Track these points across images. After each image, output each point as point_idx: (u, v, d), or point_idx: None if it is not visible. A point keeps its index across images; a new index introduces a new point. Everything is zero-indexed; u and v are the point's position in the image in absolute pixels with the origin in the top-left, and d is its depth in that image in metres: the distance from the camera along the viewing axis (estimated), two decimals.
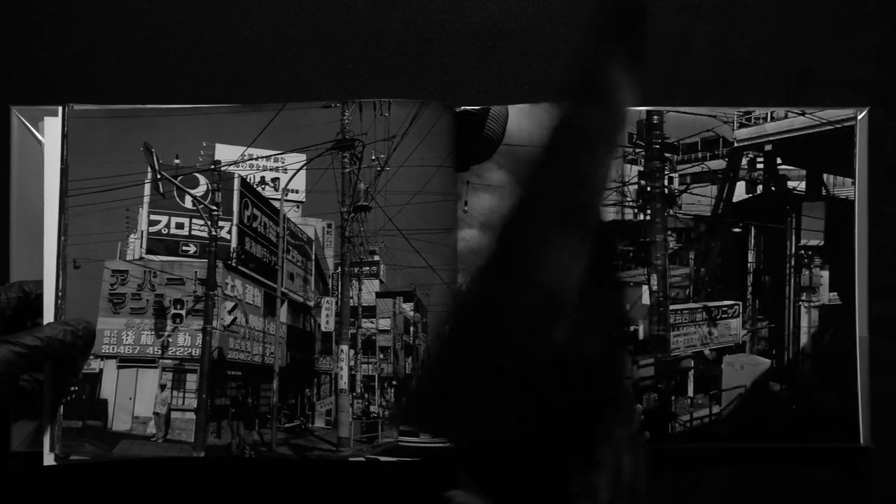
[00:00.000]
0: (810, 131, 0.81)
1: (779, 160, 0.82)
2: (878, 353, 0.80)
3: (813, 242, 0.81)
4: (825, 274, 0.81)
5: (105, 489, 0.80)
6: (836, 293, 0.81)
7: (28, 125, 0.78)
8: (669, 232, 0.82)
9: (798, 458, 0.82)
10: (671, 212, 0.82)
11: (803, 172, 0.82)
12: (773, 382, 0.81)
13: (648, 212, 0.82)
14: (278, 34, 0.85)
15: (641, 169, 0.82)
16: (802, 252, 0.82)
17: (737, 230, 0.83)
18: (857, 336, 0.80)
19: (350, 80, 0.85)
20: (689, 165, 0.82)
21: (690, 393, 0.82)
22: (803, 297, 0.82)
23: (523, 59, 0.85)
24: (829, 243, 0.81)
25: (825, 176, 0.82)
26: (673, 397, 0.81)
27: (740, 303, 0.83)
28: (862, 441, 0.79)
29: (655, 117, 0.81)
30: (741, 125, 0.82)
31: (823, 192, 0.82)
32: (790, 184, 0.83)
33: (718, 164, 0.82)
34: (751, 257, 0.83)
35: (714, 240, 0.83)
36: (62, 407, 0.74)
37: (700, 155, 0.82)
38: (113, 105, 0.78)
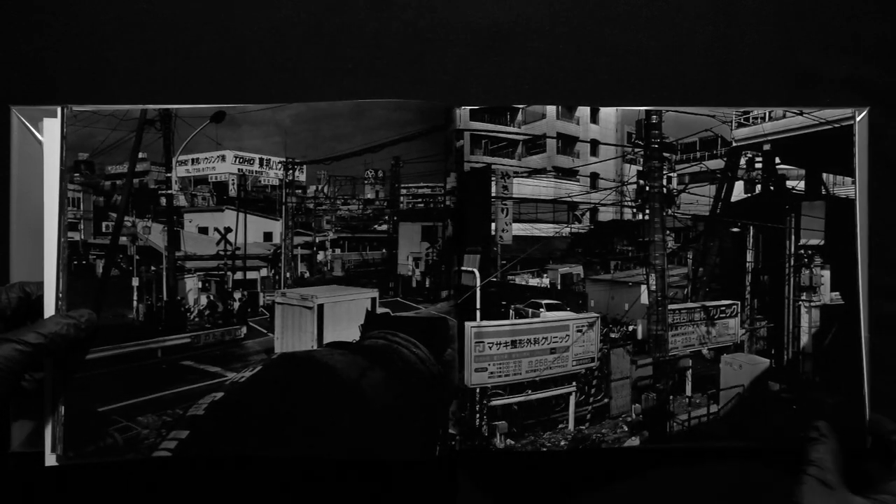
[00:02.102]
0: (809, 131, 0.81)
1: (777, 160, 0.82)
2: (878, 352, 0.80)
3: (813, 242, 0.81)
4: (826, 273, 0.81)
5: (105, 489, 0.80)
6: (838, 293, 0.81)
7: (28, 125, 0.78)
8: (668, 231, 0.82)
9: (797, 458, 0.82)
10: (670, 211, 0.82)
11: (802, 172, 0.82)
12: (772, 382, 0.81)
13: (647, 211, 0.82)
14: (278, 34, 0.85)
15: (640, 168, 0.82)
16: (802, 251, 0.82)
17: (735, 230, 0.83)
18: (862, 337, 0.80)
19: (350, 80, 0.85)
20: (687, 165, 0.82)
21: (689, 392, 0.82)
22: (803, 297, 0.82)
23: (523, 59, 0.85)
24: (830, 242, 0.81)
25: (824, 175, 0.82)
26: (671, 397, 0.81)
27: (738, 302, 0.83)
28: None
29: (654, 117, 0.81)
30: (739, 125, 0.82)
31: (823, 192, 0.82)
32: (789, 183, 0.83)
33: (717, 164, 0.83)
34: (749, 257, 0.83)
35: (712, 239, 0.83)
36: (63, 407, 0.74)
37: (698, 155, 0.82)
38: (113, 105, 0.78)
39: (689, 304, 0.83)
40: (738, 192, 0.83)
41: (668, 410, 0.81)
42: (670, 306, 0.82)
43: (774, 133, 0.82)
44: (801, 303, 0.82)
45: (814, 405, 0.80)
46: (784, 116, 0.81)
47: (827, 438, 0.73)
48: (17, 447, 0.76)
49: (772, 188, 0.83)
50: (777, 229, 0.83)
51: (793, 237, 0.82)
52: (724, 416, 0.81)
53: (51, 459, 0.74)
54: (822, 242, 0.81)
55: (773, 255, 0.83)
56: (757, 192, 0.83)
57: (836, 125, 0.80)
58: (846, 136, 0.80)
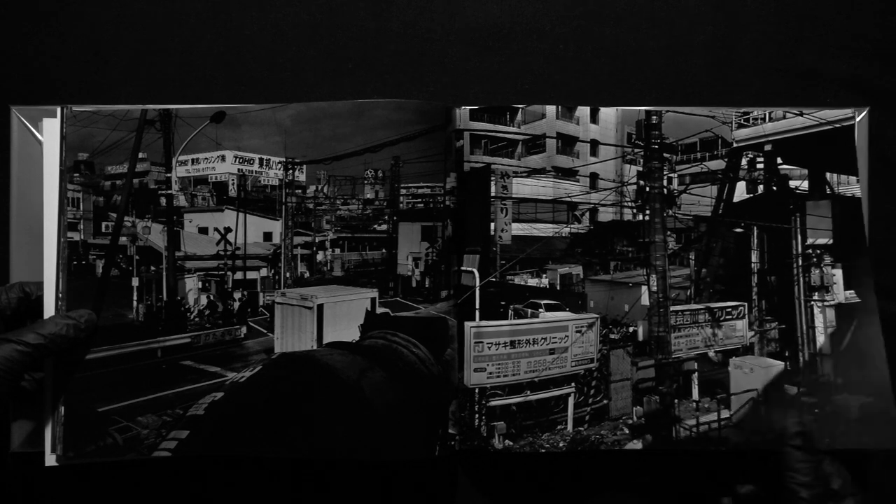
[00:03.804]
0: (809, 131, 0.80)
1: (779, 160, 0.82)
2: None
3: (821, 241, 0.80)
4: (838, 272, 0.80)
5: (105, 489, 0.80)
6: (852, 291, 0.79)
7: (28, 125, 0.78)
8: (669, 232, 0.82)
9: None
10: (670, 212, 0.82)
11: (805, 171, 0.82)
12: (788, 385, 0.79)
13: (647, 212, 0.82)
14: (278, 34, 0.85)
15: (640, 169, 0.81)
16: (810, 251, 0.81)
17: (739, 230, 0.83)
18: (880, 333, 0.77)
19: (350, 80, 0.85)
20: (688, 166, 0.82)
21: (695, 396, 0.81)
22: (815, 297, 0.81)
23: (523, 59, 0.85)
24: (839, 241, 0.79)
25: (828, 174, 0.81)
26: (676, 401, 0.80)
27: (745, 304, 0.82)
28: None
29: (654, 117, 0.81)
30: (739, 126, 0.82)
31: (828, 191, 0.81)
32: (792, 183, 0.82)
33: (718, 165, 0.82)
34: (754, 257, 0.82)
35: (715, 240, 0.82)
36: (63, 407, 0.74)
37: (699, 155, 0.82)
38: (113, 105, 0.78)
39: (693, 306, 0.82)
40: (741, 192, 0.83)
41: (674, 415, 0.80)
42: (673, 307, 0.82)
43: (775, 133, 0.81)
44: (813, 303, 0.81)
45: (839, 407, 0.77)
46: (784, 117, 0.81)
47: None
48: (17, 447, 0.76)
49: (774, 188, 0.82)
50: (782, 229, 0.82)
51: (799, 237, 0.81)
52: (739, 422, 0.79)
53: (51, 459, 0.74)
54: (831, 241, 0.80)
55: (778, 256, 0.82)
56: (759, 192, 0.83)
57: (837, 125, 0.80)
58: (847, 135, 0.80)
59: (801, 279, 0.81)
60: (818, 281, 0.80)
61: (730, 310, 0.82)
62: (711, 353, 0.82)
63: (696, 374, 0.82)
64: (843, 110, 0.80)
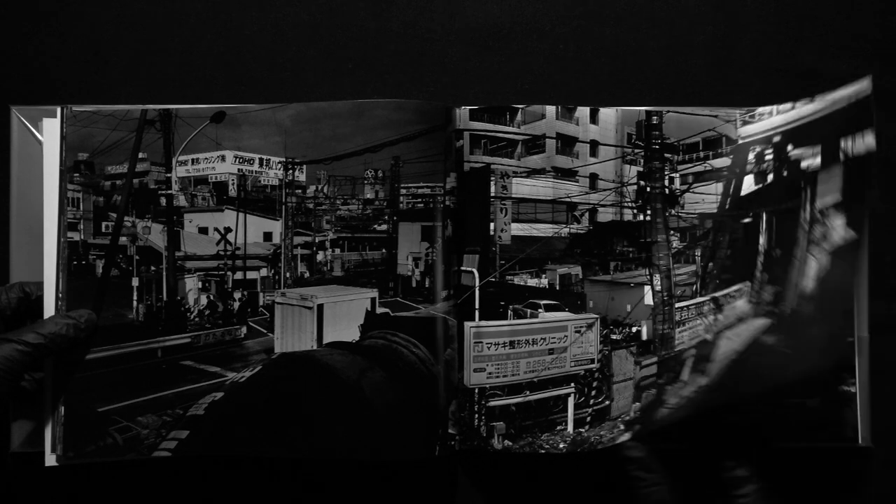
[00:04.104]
0: (821, 115, 0.77)
1: (790, 147, 0.80)
2: (878, 353, 0.80)
3: (829, 200, 0.76)
4: (840, 220, 0.76)
5: (105, 489, 0.81)
6: (853, 231, 0.75)
7: (28, 125, 0.78)
8: (672, 232, 0.82)
9: (799, 458, 0.82)
10: (672, 212, 0.82)
11: (817, 149, 0.78)
12: (766, 336, 0.78)
13: (648, 212, 0.82)
14: (278, 34, 0.85)
15: (641, 169, 0.81)
16: (819, 215, 0.77)
17: (747, 220, 0.81)
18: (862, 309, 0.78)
19: (350, 80, 0.85)
20: (690, 165, 0.82)
21: (685, 377, 0.80)
22: (815, 250, 0.77)
23: (523, 59, 0.85)
24: (847, 194, 0.75)
25: (842, 141, 0.76)
26: (668, 387, 0.79)
27: (748, 282, 0.80)
28: (861, 441, 0.79)
29: (654, 118, 0.81)
30: (745, 123, 0.81)
31: (842, 157, 0.76)
32: (804, 164, 0.79)
33: (723, 162, 0.82)
34: (762, 240, 0.81)
35: (722, 234, 0.82)
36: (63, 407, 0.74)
37: (702, 154, 0.82)
38: (113, 105, 0.78)
39: (699, 299, 0.81)
40: (749, 185, 0.82)
41: (662, 399, 0.79)
42: (679, 304, 0.81)
43: (784, 124, 0.79)
44: (810, 254, 0.77)
45: (809, 341, 0.76)
46: (793, 107, 0.79)
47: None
48: (17, 447, 0.76)
49: (785, 175, 0.80)
50: (791, 208, 0.78)
51: (808, 206, 0.79)
52: (715, 385, 0.77)
53: (51, 459, 0.74)
54: (840, 199, 0.76)
55: (786, 232, 0.79)
56: (769, 181, 0.81)
57: (853, 100, 0.75)
58: (864, 108, 0.74)
59: (805, 238, 0.78)
60: (819, 235, 0.77)
61: (733, 293, 0.81)
62: (709, 336, 0.81)
63: (691, 358, 0.80)
64: (856, 86, 0.75)
